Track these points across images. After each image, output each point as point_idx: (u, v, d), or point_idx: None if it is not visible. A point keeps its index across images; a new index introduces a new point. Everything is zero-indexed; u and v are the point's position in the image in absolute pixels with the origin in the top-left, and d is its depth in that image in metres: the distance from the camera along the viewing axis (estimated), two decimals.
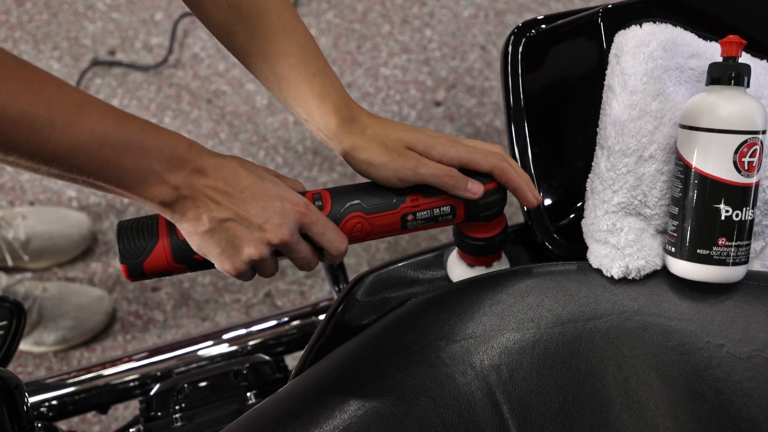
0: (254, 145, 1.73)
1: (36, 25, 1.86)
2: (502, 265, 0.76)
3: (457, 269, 0.76)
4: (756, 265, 0.73)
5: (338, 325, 0.74)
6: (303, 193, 0.64)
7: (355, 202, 0.65)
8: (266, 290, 1.56)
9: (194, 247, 0.60)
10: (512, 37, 0.82)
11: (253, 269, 0.63)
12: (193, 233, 0.59)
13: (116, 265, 1.57)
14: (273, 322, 1.08)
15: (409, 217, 0.66)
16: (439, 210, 0.67)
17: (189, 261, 0.62)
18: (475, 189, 0.66)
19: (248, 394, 0.93)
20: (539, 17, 0.83)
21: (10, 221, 1.48)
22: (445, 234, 1.65)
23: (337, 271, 1.03)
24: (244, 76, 1.81)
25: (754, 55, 0.74)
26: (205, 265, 0.63)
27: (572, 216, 0.76)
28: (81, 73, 1.79)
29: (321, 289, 1.56)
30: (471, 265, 0.75)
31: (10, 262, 1.47)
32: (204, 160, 0.58)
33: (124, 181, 0.55)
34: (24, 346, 1.41)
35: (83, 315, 1.44)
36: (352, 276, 1.58)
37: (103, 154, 0.53)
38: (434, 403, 0.63)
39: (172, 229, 0.62)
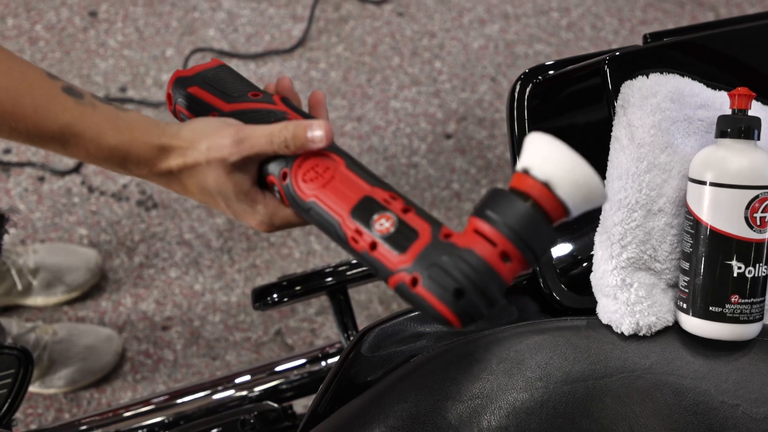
0: None
1: (49, 63, 1.88)
2: None
3: None
4: None
5: (344, 381, 0.72)
6: None
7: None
8: (276, 328, 1.55)
9: None
10: (519, 83, 0.81)
11: None
12: None
13: (127, 303, 1.56)
14: (281, 367, 1.06)
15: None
16: None
17: None
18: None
19: None
20: (547, 63, 0.82)
21: (21, 253, 1.50)
22: None
23: (345, 318, 1.01)
24: None
25: (765, 102, 0.73)
26: None
27: (582, 266, 0.74)
28: None
29: (331, 327, 1.55)
30: None
31: (19, 286, 1.47)
32: None
33: None
34: (33, 388, 1.41)
35: (93, 356, 1.43)
36: (361, 315, 1.56)
37: None
38: None
39: None
